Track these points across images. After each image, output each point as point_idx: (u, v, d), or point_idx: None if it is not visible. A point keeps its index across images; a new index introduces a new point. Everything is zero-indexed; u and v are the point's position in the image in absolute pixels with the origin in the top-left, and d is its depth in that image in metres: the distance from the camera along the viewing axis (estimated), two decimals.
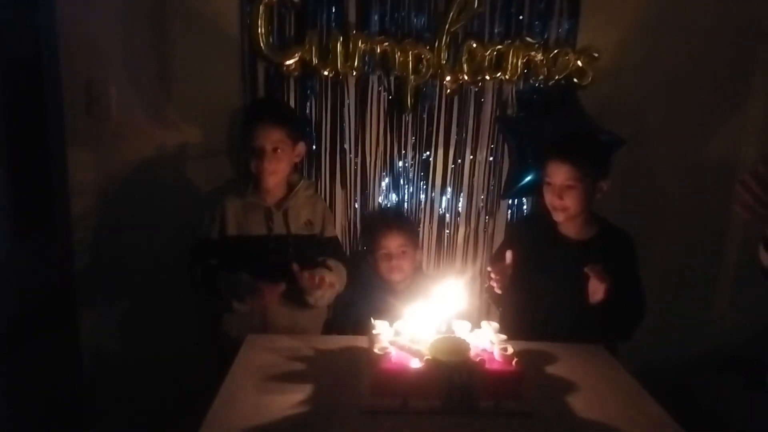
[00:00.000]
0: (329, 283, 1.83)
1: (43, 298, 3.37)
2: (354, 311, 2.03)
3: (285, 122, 1.91)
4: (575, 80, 2.14)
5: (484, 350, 1.46)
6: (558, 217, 1.85)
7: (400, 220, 2.19)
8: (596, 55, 2.12)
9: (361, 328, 1.79)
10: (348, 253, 2.23)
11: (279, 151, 1.87)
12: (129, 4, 2.05)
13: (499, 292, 1.78)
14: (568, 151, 1.81)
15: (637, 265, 1.88)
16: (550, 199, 1.84)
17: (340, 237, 2.19)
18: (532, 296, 1.85)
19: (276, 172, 1.89)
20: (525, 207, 2.27)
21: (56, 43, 2.09)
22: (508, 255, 1.78)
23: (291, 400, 1.40)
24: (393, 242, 2.04)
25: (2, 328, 3.04)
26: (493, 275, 1.77)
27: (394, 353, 1.43)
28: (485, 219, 2.28)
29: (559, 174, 1.80)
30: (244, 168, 1.93)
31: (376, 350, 1.43)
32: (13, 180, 3.29)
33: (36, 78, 3.59)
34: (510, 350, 1.45)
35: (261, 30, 2.00)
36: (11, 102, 3.31)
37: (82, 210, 2.19)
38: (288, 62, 2.04)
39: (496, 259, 2.01)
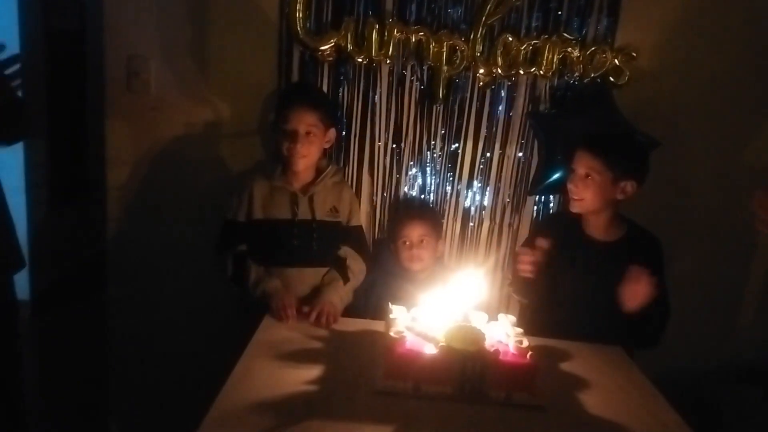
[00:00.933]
0: (336, 317, 1.82)
1: (76, 266, 3.48)
2: (373, 296, 2.05)
3: (319, 106, 1.93)
4: (611, 79, 2.11)
5: (500, 342, 1.47)
6: (573, 207, 1.84)
7: (423, 210, 2.19)
8: (634, 54, 2.08)
9: (380, 312, 1.81)
10: (371, 239, 2.24)
11: (311, 134, 1.89)
12: None
13: (527, 275, 1.77)
14: (594, 141, 1.82)
15: (663, 269, 1.85)
16: (569, 186, 1.84)
17: (365, 224, 2.21)
18: (555, 295, 1.84)
19: (307, 156, 1.91)
20: (552, 204, 2.25)
21: (101, 16, 2.14)
22: (542, 241, 1.77)
23: (306, 376, 1.44)
24: (414, 231, 2.05)
25: (36, 293, 3.15)
26: (523, 258, 1.76)
27: (409, 338, 1.44)
28: (510, 214, 2.27)
29: (580, 162, 1.81)
30: (275, 150, 1.96)
31: (391, 334, 1.45)
32: (52, 150, 3.40)
33: (79, 50, 3.69)
34: (525, 344, 1.45)
35: (299, 14, 2.02)
36: (54, 73, 3.42)
37: (117, 182, 2.25)
38: (323, 47, 2.06)
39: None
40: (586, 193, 1.80)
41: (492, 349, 1.40)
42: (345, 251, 2.01)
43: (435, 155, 2.22)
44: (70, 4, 3.49)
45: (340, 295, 1.90)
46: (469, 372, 1.37)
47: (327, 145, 2.00)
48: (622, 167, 1.77)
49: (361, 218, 2.18)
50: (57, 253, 3.43)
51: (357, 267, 2.00)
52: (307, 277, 1.95)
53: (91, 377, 2.55)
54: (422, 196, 2.25)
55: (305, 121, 1.88)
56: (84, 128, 3.68)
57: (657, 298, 1.70)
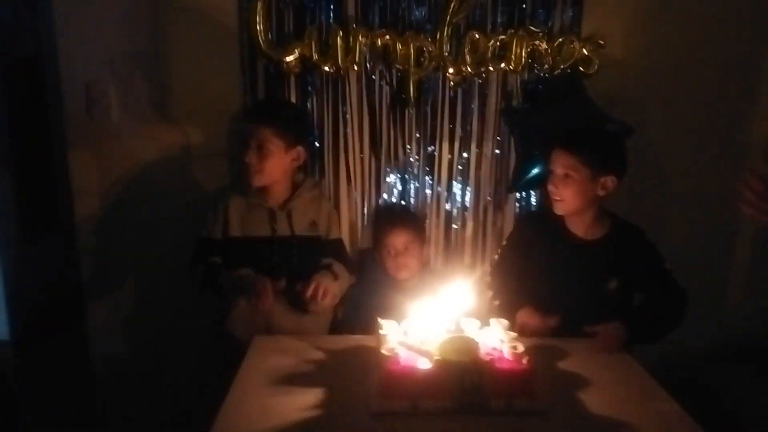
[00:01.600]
0: (331, 294, 1.81)
1: (51, 301, 3.38)
2: (362, 309, 2.01)
3: (274, 121, 1.85)
4: (581, 69, 2.09)
5: (494, 349, 1.44)
6: (556, 208, 1.80)
7: (406, 217, 2.16)
8: (602, 42, 2.07)
9: (370, 325, 1.77)
10: (354, 251, 2.20)
11: (264, 149, 1.83)
12: (127, 5, 2.03)
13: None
14: (568, 139, 1.77)
15: (658, 255, 1.82)
16: (549, 187, 1.80)
17: (346, 235, 2.17)
18: (543, 298, 1.80)
19: (261, 171, 1.84)
20: (533, 200, 2.23)
21: (55, 44, 2.07)
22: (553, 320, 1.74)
23: (300, 402, 1.39)
24: (398, 239, 2.02)
25: (12, 332, 3.06)
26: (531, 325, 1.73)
27: (402, 354, 1.41)
28: (493, 213, 2.24)
29: (557, 161, 1.76)
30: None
31: (384, 351, 1.41)
32: (18, 184, 3.30)
33: (37, 80, 3.58)
34: (520, 348, 1.42)
35: (260, 27, 1.97)
36: (13, 105, 3.31)
37: (86, 212, 2.19)
38: (288, 59, 2.01)
39: (502, 264, 1.98)
40: (567, 192, 1.75)
41: (487, 358, 1.37)
42: (328, 261, 1.98)
43: (412, 159, 2.19)
44: (24, 33, 3.39)
45: (332, 282, 1.86)
46: (466, 384, 1.34)
47: (296, 164, 1.93)
48: (599, 163, 1.73)
49: (343, 230, 2.15)
50: (33, 289, 3.33)
51: (342, 272, 1.97)
52: (288, 293, 1.89)
53: (77, 409, 2.49)
54: (403, 202, 2.22)
55: (257, 135, 1.83)
56: (50, 160, 3.59)
57: (651, 293, 1.70)
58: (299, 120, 2.02)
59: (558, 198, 1.78)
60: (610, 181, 1.74)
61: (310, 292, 1.75)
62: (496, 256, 2.03)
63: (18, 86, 3.30)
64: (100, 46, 2.06)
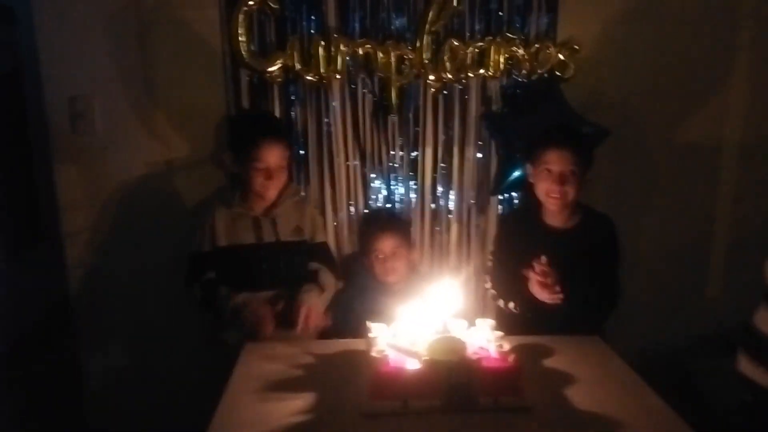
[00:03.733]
0: (318, 315, 1.85)
1: (40, 315, 3.36)
2: (351, 314, 2.03)
3: (284, 136, 1.95)
4: (558, 73, 2.15)
5: (481, 348, 1.48)
6: (554, 205, 1.85)
7: (393, 222, 2.19)
8: (577, 47, 2.13)
9: (360, 330, 1.80)
10: (341, 256, 2.23)
11: (279, 164, 1.90)
12: (109, 18, 2.05)
13: (558, 295, 1.74)
14: (569, 138, 1.84)
15: (618, 251, 1.89)
16: (548, 187, 1.83)
17: (332, 241, 2.19)
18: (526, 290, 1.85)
19: (279, 186, 1.92)
20: (516, 202, 2.28)
21: (37, 59, 2.07)
22: (543, 258, 1.74)
23: (292, 406, 1.41)
24: (386, 244, 2.05)
25: (5, 346, 3.03)
26: (540, 284, 1.74)
27: (391, 355, 1.43)
28: (477, 215, 2.28)
29: (560, 161, 1.81)
30: (241, 182, 1.93)
31: (373, 353, 1.44)
32: (2, 200, 3.27)
33: (18, 96, 3.57)
34: (506, 346, 1.46)
35: (242, 38, 1.99)
36: None
37: (73, 226, 2.19)
38: (270, 69, 2.04)
39: (498, 257, 2.02)
40: (570, 189, 1.81)
41: (474, 357, 1.41)
42: (314, 266, 2.01)
43: (396, 165, 2.22)
44: (2, 47, 3.37)
45: (317, 300, 1.89)
46: (455, 382, 1.37)
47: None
48: (586, 158, 1.83)
49: (329, 235, 2.18)
50: (21, 304, 3.31)
51: (328, 279, 2.00)
52: (279, 298, 1.92)
53: (67, 421, 2.47)
54: (389, 207, 2.25)
55: (277, 156, 1.89)
56: (33, 175, 3.57)
57: (595, 280, 1.75)
58: (286, 123, 2.11)
59: (559, 196, 1.82)
60: (588, 174, 1.84)
61: (301, 323, 1.79)
62: (491, 257, 2.07)
63: None
64: (83, 60, 2.07)
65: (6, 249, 3.23)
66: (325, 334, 2.04)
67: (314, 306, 1.84)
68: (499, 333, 1.52)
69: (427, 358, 1.39)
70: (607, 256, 1.87)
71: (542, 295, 1.74)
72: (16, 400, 2.49)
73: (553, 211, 1.89)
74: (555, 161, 1.82)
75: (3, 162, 3.29)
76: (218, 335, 1.93)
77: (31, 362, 2.63)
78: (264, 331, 1.75)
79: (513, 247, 1.93)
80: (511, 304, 1.89)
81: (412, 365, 1.40)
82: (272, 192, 1.91)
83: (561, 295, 1.72)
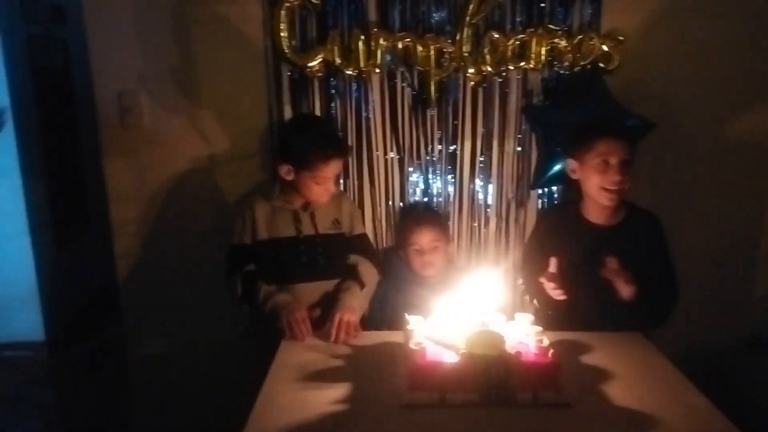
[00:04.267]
0: (355, 324, 1.83)
1: (87, 304, 3.50)
2: (388, 306, 2.05)
3: (347, 152, 2.00)
4: (601, 65, 2.10)
5: (520, 343, 1.47)
6: (610, 200, 1.79)
7: (431, 215, 2.19)
8: (622, 38, 2.08)
9: (396, 322, 1.81)
10: (379, 249, 2.24)
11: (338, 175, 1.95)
12: (153, 16, 2.10)
13: (563, 297, 1.75)
14: (621, 128, 1.82)
15: (667, 247, 1.85)
16: (607, 180, 1.77)
17: (370, 234, 2.21)
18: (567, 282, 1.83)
19: (332, 192, 1.94)
20: (555, 196, 2.25)
21: (87, 56, 2.14)
22: (553, 263, 1.75)
23: (330, 395, 1.44)
24: (425, 238, 2.05)
25: (50, 335, 3.17)
26: (550, 287, 1.74)
27: (429, 348, 1.44)
28: (516, 209, 2.27)
29: (618, 151, 1.76)
30: (279, 177, 1.93)
31: (411, 345, 1.45)
32: (52, 191, 3.42)
33: (68, 91, 3.71)
34: (546, 342, 1.45)
35: (283, 34, 2.02)
36: (46, 115, 3.44)
37: (121, 217, 2.25)
38: (311, 64, 2.06)
39: (529, 254, 2.01)
40: (628, 180, 1.77)
41: (513, 351, 1.40)
42: (355, 258, 2.02)
43: (434, 158, 2.22)
44: (54, 44, 3.52)
45: (358, 299, 1.90)
46: (493, 377, 1.37)
47: None
48: (634, 149, 1.79)
49: (367, 228, 2.19)
50: (67, 292, 3.45)
51: (369, 272, 2.01)
52: (318, 290, 1.95)
53: (112, 410, 2.56)
54: (426, 201, 2.25)
55: (338, 169, 1.92)
56: (81, 166, 3.72)
57: (652, 278, 1.71)
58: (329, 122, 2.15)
59: (619, 187, 1.77)
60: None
61: (333, 335, 1.77)
62: (523, 249, 2.05)
63: (49, 96, 3.44)
64: (131, 56, 2.13)
65: (56, 238, 3.38)
66: (362, 327, 2.06)
67: (349, 310, 1.83)
68: (539, 328, 1.51)
69: (465, 351, 1.39)
70: (657, 253, 1.82)
71: (554, 293, 1.74)
72: (64, 384, 2.60)
73: (604, 207, 1.83)
74: (613, 151, 1.76)
75: (54, 153, 3.44)
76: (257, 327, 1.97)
77: (77, 349, 2.73)
78: (299, 339, 1.76)
79: (550, 243, 1.90)
80: (536, 301, 1.88)
81: (450, 358, 1.40)
82: (327, 199, 1.94)
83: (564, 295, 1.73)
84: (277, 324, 1.80)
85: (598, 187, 1.80)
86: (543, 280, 1.75)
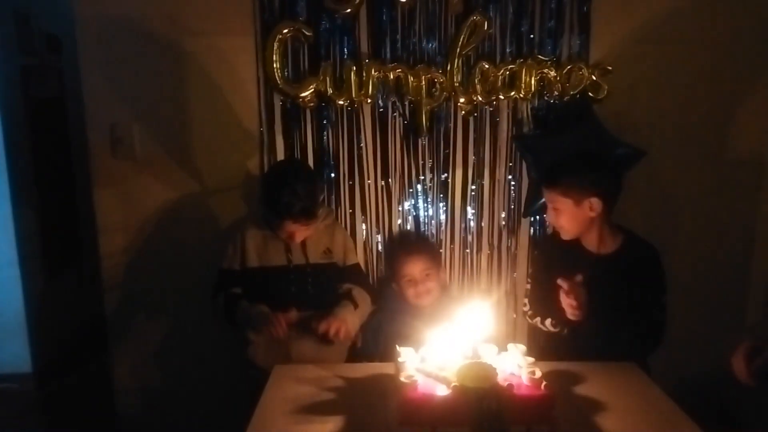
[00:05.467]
0: (350, 328, 1.85)
1: (75, 335, 3.45)
2: (382, 337, 2.03)
3: (314, 216, 1.88)
4: (590, 94, 2.13)
5: (512, 374, 1.45)
6: (562, 235, 1.88)
7: (420, 245, 2.19)
8: (610, 68, 2.11)
9: (389, 353, 1.79)
10: (372, 279, 2.23)
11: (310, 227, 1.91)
12: (148, 47, 2.11)
13: (577, 317, 1.73)
14: (546, 175, 1.89)
15: (661, 283, 1.84)
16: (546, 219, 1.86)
17: (362, 264, 2.20)
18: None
19: (306, 235, 1.93)
20: (547, 224, 2.25)
21: (80, 86, 2.15)
22: (579, 277, 1.73)
23: (321, 429, 1.41)
24: (415, 268, 2.04)
25: (38, 367, 3.12)
26: (569, 303, 1.72)
27: (420, 381, 1.42)
28: (507, 238, 2.27)
29: (546, 197, 1.88)
30: (266, 216, 1.94)
31: (402, 378, 1.43)
32: (43, 221, 3.40)
33: (62, 121, 3.71)
34: (538, 373, 1.43)
35: (276, 64, 2.04)
36: (39, 145, 3.43)
37: (110, 248, 2.24)
38: (303, 94, 2.08)
39: (535, 277, 2.00)
40: (560, 221, 1.84)
41: (506, 384, 1.38)
42: (348, 286, 2.01)
43: (426, 187, 2.23)
44: (49, 74, 3.53)
45: (352, 315, 1.89)
46: (485, 410, 1.34)
47: None
48: (576, 189, 1.78)
49: (359, 258, 2.18)
50: (56, 323, 3.40)
51: (362, 296, 2.00)
52: (306, 321, 1.92)
53: None
54: (417, 230, 2.25)
55: (305, 227, 1.88)
56: (72, 196, 3.70)
57: (635, 311, 1.73)
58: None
59: (555, 226, 1.89)
60: (594, 202, 1.78)
61: (330, 331, 1.79)
62: (529, 279, 2.09)
63: (43, 126, 3.44)
64: (124, 87, 2.14)
65: (46, 269, 3.35)
66: (353, 357, 2.04)
67: (341, 320, 1.84)
68: (531, 359, 1.49)
69: (456, 384, 1.37)
70: (649, 286, 1.82)
71: (567, 310, 1.73)
72: (50, 417, 2.54)
73: (583, 237, 1.87)
74: (545, 195, 1.87)
75: (46, 184, 3.43)
76: (245, 358, 1.94)
77: (64, 381, 2.68)
78: (276, 330, 1.75)
79: (551, 269, 1.90)
80: (548, 321, 1.87)
81: (442, 391, 1.38)
82: (299, 240, 1.93)
83: (579, 313, 1.71)
84: (256, 328, 1.83)
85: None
86: (563, 286, 1.72)
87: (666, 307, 1.83)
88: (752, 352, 1.48)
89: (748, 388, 1.51)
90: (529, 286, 2.06)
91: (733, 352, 1.52)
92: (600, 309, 1.72)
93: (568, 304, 1.71)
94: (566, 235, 1.86)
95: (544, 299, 1.88)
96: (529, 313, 1.97)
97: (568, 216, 1.82)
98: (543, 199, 2.12)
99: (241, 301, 1.90)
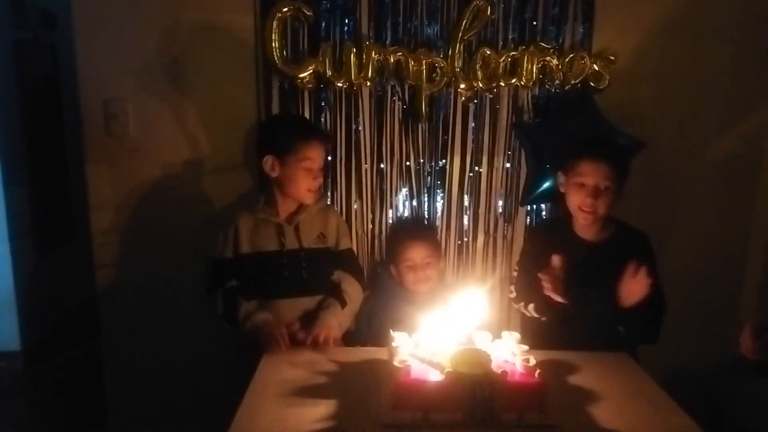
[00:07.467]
0: (335, 336, 1.82)
1: (65, 313, 3.43)
2: (375, 321, 2.02)
3: (330, 139, 2.00)
4: (592, 84, 2.11)
5: (506, 362, 1.45)
6: (585, 219, 1.82)
7: (424, 231, 2.17)
8: (612, 58, 2.09)
9: (382, 338, 1.78)
10: (367, 263, 2.22)
11: (322, 166, 1.92)
12: (145, 23, 2.07)
13: (558, 298, 1.74)
14: (606, 151, 1.80)
15: (656, 265, 1.84)
16: (580, 200, 1.79)
17: (357, 248, 2.18)
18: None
19: (319, 189, 1.93)
20: (544, 213, 2.24)
21: (74, 62, 2.11)
22: (556, 259, 1.74)
23: (312, 414, 1.40)
24: (418, 253, 2.03)
25: (28, 342, 3.10)
26: (546, 282, 1.73)
27: (414, 366, 1.41)
28: (504, 226, 2.25)
29: (596, 174, 1.76)
30: (269, 187, 1.92)
31: (395, 363, 1.42)
32: (35, 198, 3.37)
33: (55, 97, 3.67)
34: (532, 361, 1.42)
35: (275, 44, 2.00)
36: (32, 121, 3.39)
37: (102, 227, 2.21)
38: (302, 75, 2.04)
39: (523, 265, 2.00)
40: (602, 205, 1.77)
41: (499, 371, 1.37)
42: (339, 275, 1.99)
43: (423, 173, 2.21)
44: (42, 50, 3.48)
45: (338, 318, 1.88)
46: (478, 396, 1.34)
47: None
48: (624, 174, 1.78)
49: (354, 242, 2.16)
50: (46, 301, 3.38)
51: (353, 290, 1.98)
52: (301, 306, 1.91)
53: (87, 425, 2.49)
54: (418, 216, 2.23)
55: (323, 156, 1.92)
56: (65, 173, 3.66)
57: (651, 294, 1.70)
58: None
59: (590, 210, 1.79)
60: (623, 190, 1.79)
61: (309, 341, 1.77)
62: (516, 267, 2.05)
63: (37, 105, 3.40)
64: (119, 63, 2.10)
65: (37, 246, 3.32)
66: (346, 341, 2.03)
67: (328, 327, 1.81)
68: (525, 347, 1.48)
69: (450, 370, 1.36)
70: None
71: (550, 292, 1.73)
72: (39, 395, 2.53)
73: (583, 225, 1.86)
74: (590, 174, 1.78)
75: (39, 161, 3.39)
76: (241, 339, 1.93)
77: (55, 358, 2.67)
78: (278, 348, 1.73)
79: (541, 257, 1.89)
80: (531, 306, 1.86)
81: (435, 377, 1.38)
82: (317, 195, 1.92)
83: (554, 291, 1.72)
84: (257, 342, 1.77)
85: (575, 205, 1.83)
86: (543, 275, 1.73)
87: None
88: (760, 328, 1.52)
89: (743, 374, 1.54)
90: (516, 273, 2.04)
91: (732, 340, 1.52)
92: (597, 295, 1.72)
93: (545, 280, 1.72)
94: (594, 220, 1.81)
95: (528, 284, 1.88)
96: (514, 297, 1.97)
97: (612, 199, 1.77)
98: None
99: (239, 301, 1.87)
